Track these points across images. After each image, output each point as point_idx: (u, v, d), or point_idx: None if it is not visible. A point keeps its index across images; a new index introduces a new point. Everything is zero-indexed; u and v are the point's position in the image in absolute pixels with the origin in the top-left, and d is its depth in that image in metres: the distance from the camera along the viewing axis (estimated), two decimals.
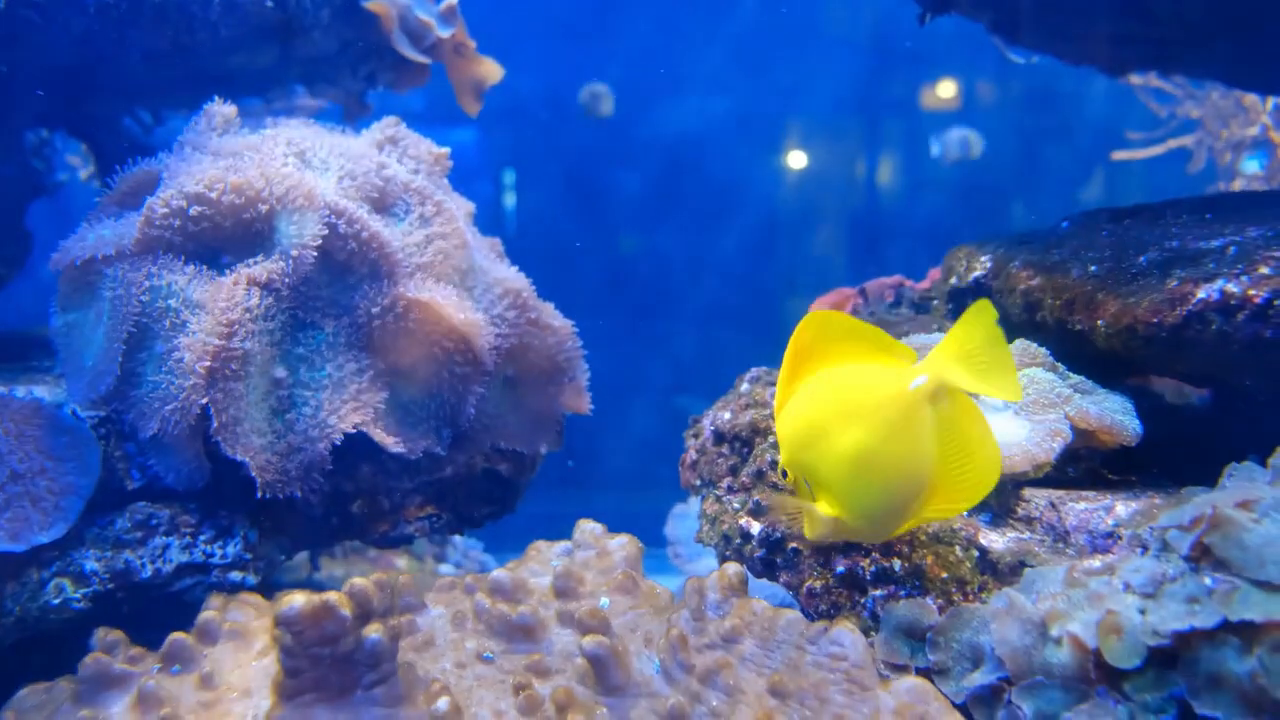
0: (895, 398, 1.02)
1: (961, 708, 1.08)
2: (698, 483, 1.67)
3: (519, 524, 1.91)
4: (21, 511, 1.34)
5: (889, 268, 2.44)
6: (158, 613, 1.40)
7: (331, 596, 0.99)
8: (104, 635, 1.26)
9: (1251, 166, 3.77)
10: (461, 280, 1.65)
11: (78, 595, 1.37)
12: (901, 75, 5.01)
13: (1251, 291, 1.16)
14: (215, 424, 1.37)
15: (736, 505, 1.50)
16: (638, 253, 5.06)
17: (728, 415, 1.63)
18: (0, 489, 1.34)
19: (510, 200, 5.00)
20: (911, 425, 1.01)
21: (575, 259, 4.84)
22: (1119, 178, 4.65)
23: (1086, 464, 1.33)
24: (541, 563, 1.35)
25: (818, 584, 1.31)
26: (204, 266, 1.46)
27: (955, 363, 1.01)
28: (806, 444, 1.10)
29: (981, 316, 1.00)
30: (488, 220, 1.93)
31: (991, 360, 1.00)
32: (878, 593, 1.24)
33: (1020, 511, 1.24)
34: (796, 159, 5.09)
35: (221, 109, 1.68)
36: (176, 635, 1.21)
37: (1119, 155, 3.97)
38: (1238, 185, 3.76)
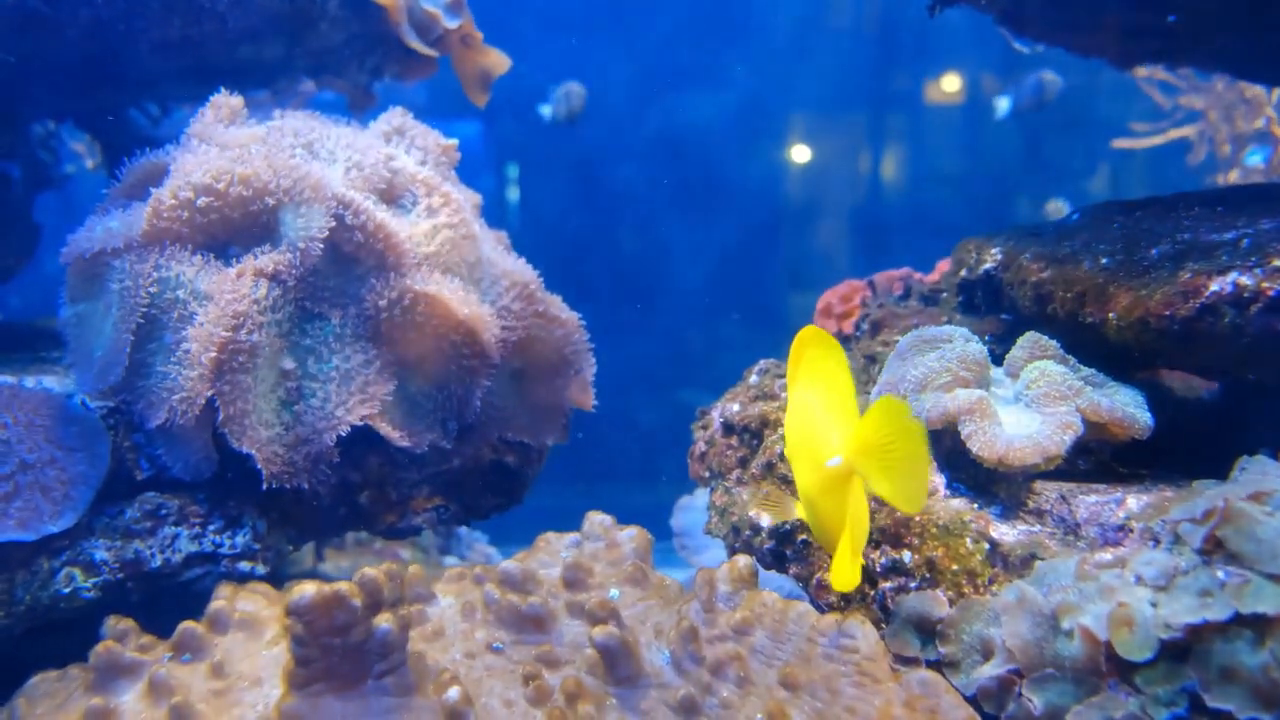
0: (821, 465, 1.10)
1: (971, 700, 1.08)
2: (706, 474, 1.67)
3: (524, 518, 1.91)
4: (31, 501, 1.34)
5: (893, 261, 2.44)
6: (167, 602, 1.41)
7: (342, 586, 1.00)
8: (115, 624, 1.26)
9: (1254, 160, 3.77)
10: (469, 272, 1.64)
11: (88, 584, 1.38)
12: (906, 68, 4.99)
13: (1265, 284, 1.15)
14: (222, 416, 1.37)
15: (746, 496, 1.50)
16: (642, 246, 5.05)
17: (737, 407, 1.63)
18: (10, 478, 1.34)
19: (514, 194, 5.00)
20: (832, 490, 1.09)
21: (580, 252, 4.84)
22: (1124, 172, 4.65)
23: (1097, 457, 1.32)
24: (551, 554, 1.35)
25: (828, 576, 1.31)
26: (213, 258, 1.46)
27: (866, 455, 1.05)
28: (789, 456, 1.23)
29: (892, 414, 1.02)
30: (492, 214, 1.93)
31: (903, 460, 1.02)
32: (888, 585, 1.24)
33: (1031, 504, 1.24)
34: (801, 152, 5.08)
35: (228, 100, 1.68)
36: (187, 624, 1.21)
37: (1119, 143, 3.97)
38: (1234, 177, 3.76)
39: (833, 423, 1.12)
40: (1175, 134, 3.92)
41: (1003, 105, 4.30)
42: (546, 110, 4.15)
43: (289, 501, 1.54)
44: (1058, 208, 4.34)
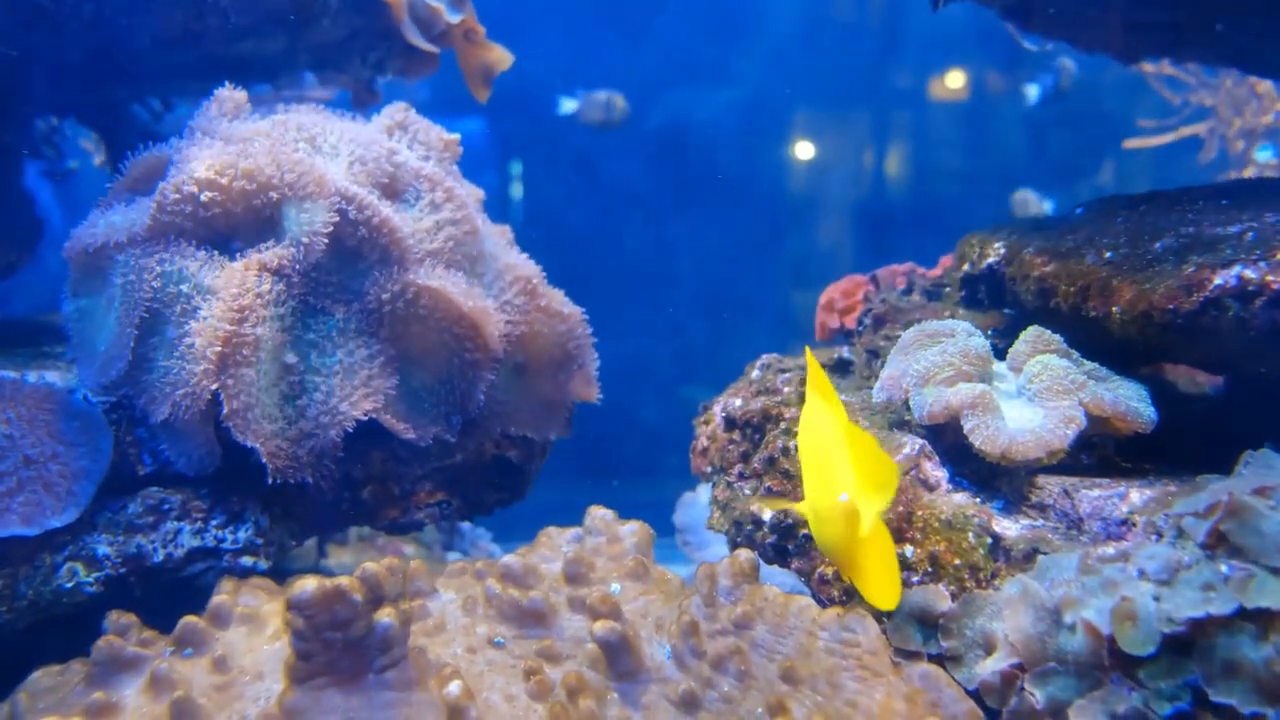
0: (831, 498, 1.12)
1: (974, 694, 1.08)
2: (709, 469, 1.67)
3: (527, 514, 1.91)
4: (34, 496, 1.34)
5: (896, 256, 2.43)
6: (169, 597, 1.41)
7: (343, 581, 0.99)
8: (116, 618, 1.26)
9: (1264, 155, 3.75)
10: (472, 267, 1.64)
11: (90, 579, 1.38)
12: (911, 65, 4.98)
13: (1270, 278, 1.15)
14: (226, 410, 1.37)
15: (748, 491, 1.49)
16: (645, 242, 5.05)
17: (739, 402, 1.63)
18: (13, 473, 1.34)
19: (517, 190, 4.99)
20: (839, 520, 1.10)
21: (583, 248, 4.83)
22: (1128, 168, 4.63)
23: (1100, 451, 1.32)
24: (552, 549, 1.35)
25: (830, 570, 1.31)
26: (215, 252, 1.46)
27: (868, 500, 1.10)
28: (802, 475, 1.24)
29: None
30: (495, 210, 1.93)
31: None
32: None
33: (1033, 498, 1.24)
34: (805, 148, 5.08)
35: (232, 94, 1.67)
36: (189, 619, 1.21)
37: (1131, 143, 3.94)
38: (1248, 174, 3.74)
39: (845, 457, 1.14)
40: (1186, 131, 3.90)
41: (1032, 93, 4.28)
42: (570, 105, 4.15)
43: (292, 496, 1.54)
44: (1024, 198, 4.31)
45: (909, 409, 1.35)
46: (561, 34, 4.80)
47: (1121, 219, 1.51)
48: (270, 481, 1.41)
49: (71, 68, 1.92)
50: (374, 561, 1.05)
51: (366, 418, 1.48)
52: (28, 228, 2.19)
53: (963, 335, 1.39)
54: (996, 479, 1.28)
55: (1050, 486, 1.24)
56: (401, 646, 1.04)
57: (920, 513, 1.26)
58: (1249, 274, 1.17)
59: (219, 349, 1.35)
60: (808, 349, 1.32)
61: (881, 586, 1.09)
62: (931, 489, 1.30)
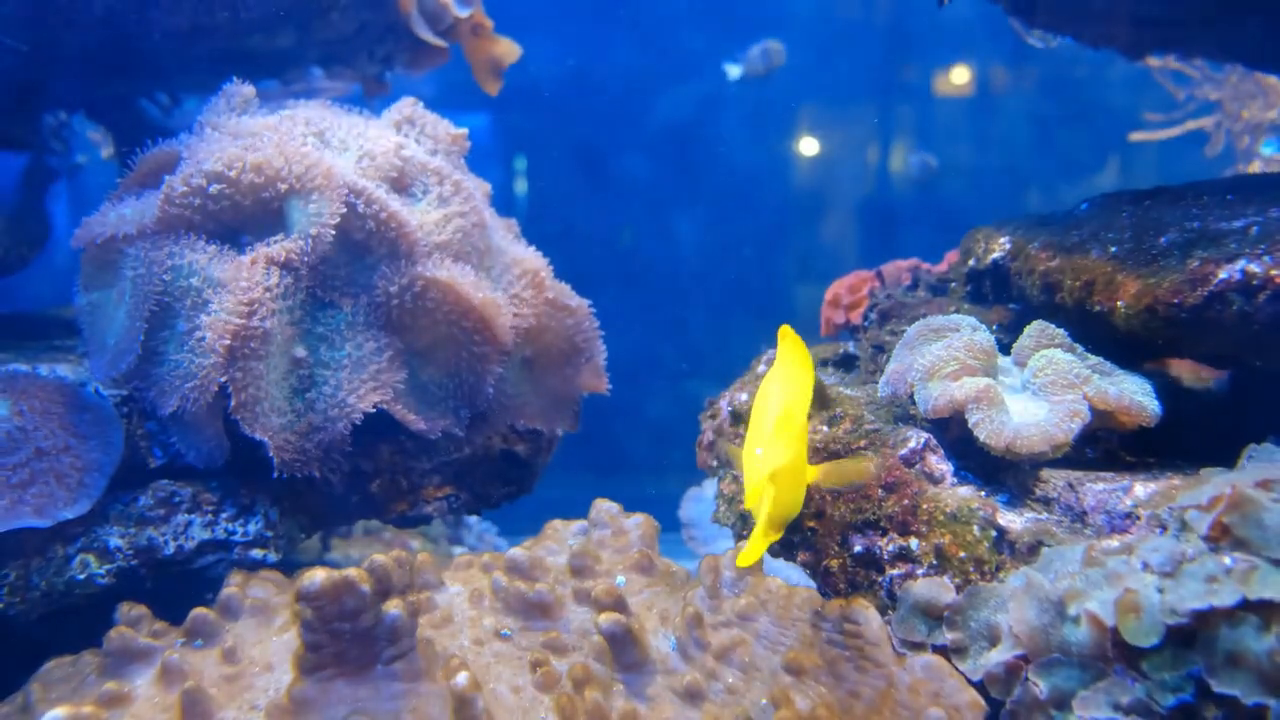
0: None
1: (978, 686, 1.09)
2: (714, 464, 1.68)
3: (533, 509, 1.92)
4: (46, 488, 1.36)
5: (901, 252, 2.43)
6: (180, 589, 1.42)
7: (352, 573, 1.00)
8: (128, 610, 1.27)
9: (1269, 150, 3.74)
10: (480, 260, 1.65)
11: (102, 571, 1.39)
12: (916, 60, 4.97)
13: (1274, 272, 1.15)
14: (234, 402, 1.38)
15: None
16: (650, 237, 5.05)
17: (745, 396, 1.63)
18: (25, 465, 1.35)
19: (522, 185, 5.00)
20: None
21: (587, 244, 4.83)
22: (1134, 163, 4.62)
23: (1104, 445, 1.32)
24: (558, 541, 1.35)
25: (835, 563, 1.31)
26: (225, 245, 1.47)
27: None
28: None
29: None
30: (499, 205, 1.94)
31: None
32: (895, 572, 1.24)
33: (1038, 492, 1.24)
34: (810, 143, 5.07)
35: (240, 89, 1.68)
36: (199, 610, 1.23)
37: (1136, 136, 3.93)
38: (1255, 168, 3.73)
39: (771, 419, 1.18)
40: (1192, 125, 3.89)
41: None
42: (735, 71, 4.23)
43: (301, 489, 1.55)
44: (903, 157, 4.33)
45: (914, 403, 1.35)
46: (565, 27, 4.79)
47: (1126, 214, 1.51)
48: (276, 475, 1.42)
49: (82, 62, 1.93)
50: (382, 554, 1.06)
51: (374, 409, 1.49)
52: (38, 221, 2.20)
53: (967, 330, 1.40)
54: (1001, 472, 1.28)
55: (1055, 480, 1.25)
56: (409, 638, 1.05)
57: (925, 506, 1.26)
58: (1253, 268, 1.17)
59: (228, 342, 1.36)
60: (784, 327, 1.32)
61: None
62: (936, 482, 1.30)
